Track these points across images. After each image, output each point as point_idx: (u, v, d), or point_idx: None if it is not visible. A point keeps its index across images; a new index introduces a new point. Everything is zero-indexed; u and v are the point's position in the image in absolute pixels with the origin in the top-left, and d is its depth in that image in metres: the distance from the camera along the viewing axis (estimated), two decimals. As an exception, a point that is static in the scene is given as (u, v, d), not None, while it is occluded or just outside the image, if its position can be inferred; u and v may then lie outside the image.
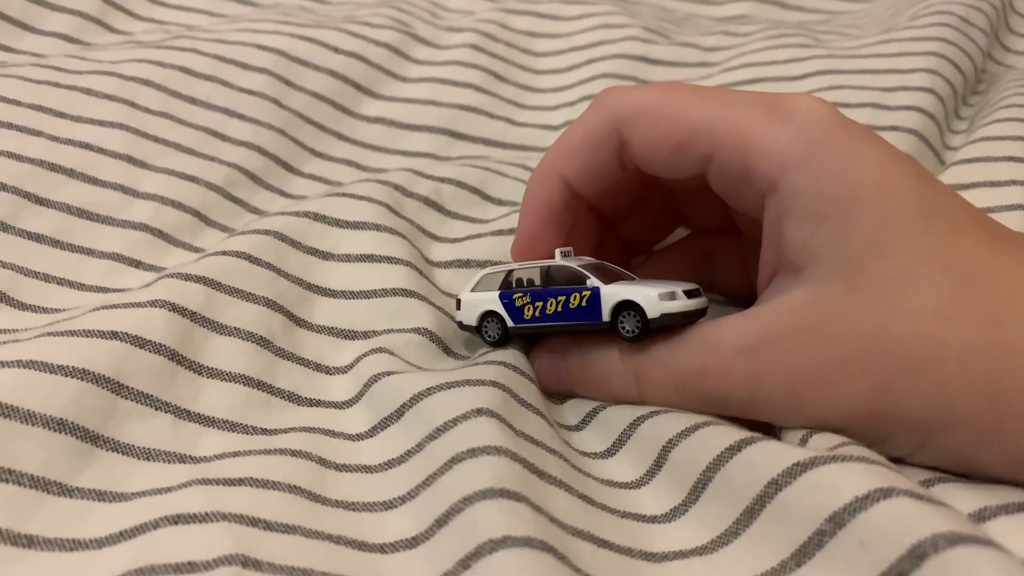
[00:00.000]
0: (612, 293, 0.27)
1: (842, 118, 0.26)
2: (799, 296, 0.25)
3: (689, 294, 0.27)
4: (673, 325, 0.26)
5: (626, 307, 0.27)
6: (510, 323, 0.29)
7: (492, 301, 0.30)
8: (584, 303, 0.28)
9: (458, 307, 0.30)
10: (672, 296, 0.26)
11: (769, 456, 0.23)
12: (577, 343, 0.29)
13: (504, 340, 0.30)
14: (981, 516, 0.22)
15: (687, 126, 0.26)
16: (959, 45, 0.45)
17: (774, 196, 0.25)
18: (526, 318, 0.29)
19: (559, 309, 0.28)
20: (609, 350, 0.28)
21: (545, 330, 0.29)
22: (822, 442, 0.24)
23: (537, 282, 0.29)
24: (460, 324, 0.31)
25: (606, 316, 0.27)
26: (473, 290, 0.30)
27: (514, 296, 0.29)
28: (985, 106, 0.43)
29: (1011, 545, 0.19)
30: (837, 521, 0.21)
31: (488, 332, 0.30)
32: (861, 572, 0.20)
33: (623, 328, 0.27)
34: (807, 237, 0.24)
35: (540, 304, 0.28)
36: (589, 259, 0.29)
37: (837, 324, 0.24)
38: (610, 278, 0.28)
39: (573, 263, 0.29)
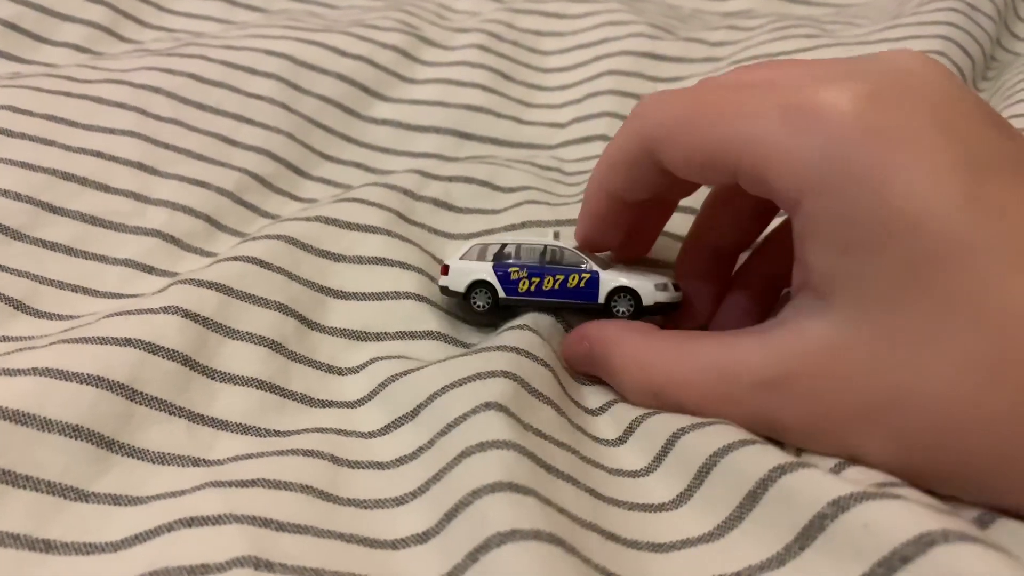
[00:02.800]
0: (610, 279, 0.30)
1: (876, 117, 0.22)
2: (819, 333, 0.23)
3: (675, 287, 0.31)
4: (658, 313, 0.30)
5: (621, 292, 0.30)
6: (501, 294, 0.31)
7: (484, 271, 0.31)
8: (583, 284, 0.30)
9: (444, 272, 0.32)
10: (665, 288, 0.30)
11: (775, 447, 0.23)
12: (601, 346, 0.29)
13: (492, 310, 0.31)
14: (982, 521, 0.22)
15: (709, 148, 0.25)
16: (967, 30, 0.44)
17: (798, 216, 0.23)
18: (520, 291, 0.31)
19: (555, 287, 0.30)
20: (630, 361, 0.28)
21: (536, 304, 0.31)
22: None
23: (534, 260, 0.31)
24: (444, 289, 0.32)
25: (602, 298, 0.30)
26: (462, 258, 0.31)
27: (510, 269, 0.31)
28: (996, 94, 0.43)
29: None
30: (841, 505, 0.21)
31: (476, 301, 0.31)
32: (864, 554, 0.20)
33: (616, 309, 0.30)
34: (829, 267, 0.23)
35: (537, 280, 0.31)
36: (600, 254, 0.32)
37: (855, 372, 0.22)
38: (604, 265, 0.31)
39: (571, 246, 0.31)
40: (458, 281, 0.31)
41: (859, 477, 0.23)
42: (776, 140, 0.23)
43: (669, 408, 0.27)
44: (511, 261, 0.31)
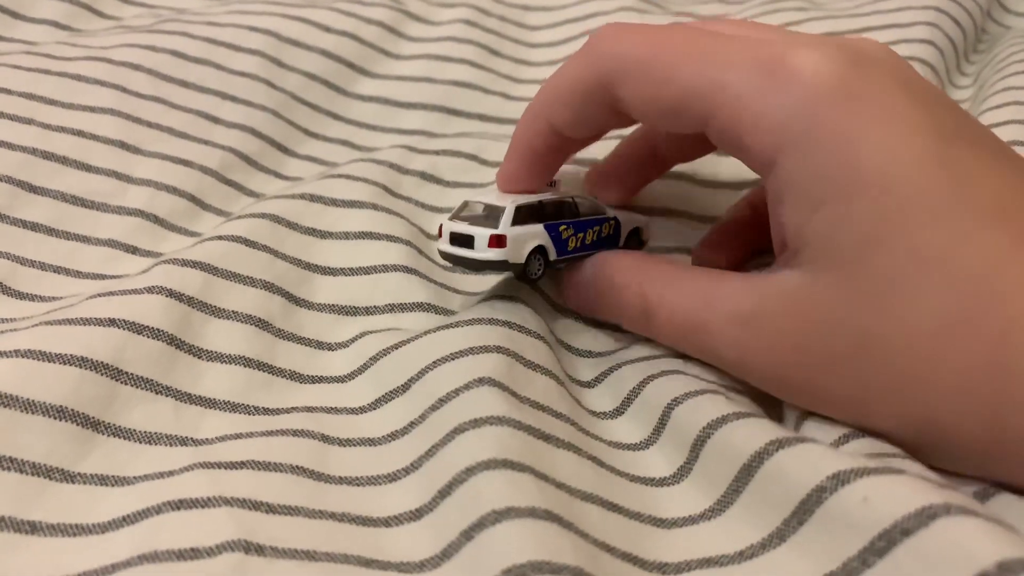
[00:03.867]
0: (624, 220, 0.31)
1: (854, 81, 0.22)
2: (792, 279, 0.23)
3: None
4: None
5: (635, 231, 0.31)
6: (553, 255, 0.29)
7: (540, 235, 0.28)
8: (612, 231, 0.31)
9: (499, 244, 0.27)
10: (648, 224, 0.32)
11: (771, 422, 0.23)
12: (606, 270, 0.29)
13: (542, 274, 0.29)
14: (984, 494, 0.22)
15: (677, 90, 0.24)
16: (958, 1, 0.44)
17: (772, 175, 0.24)
18: (569, 249, 0.29)
19: (595, 239, 0.30)
20: (630, 285, 0.27)
21: (572, 260, 0.30)
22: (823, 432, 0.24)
23: (564, 215, 0.29)
24: (492, 264, 0.28)
25: (623, 241, 0.31)
26: (462, 219, 0.29)
27: (560, 228, 0.29)
28: (987, 66, 0.42)
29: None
30: (841, 478, 0.20)
31: (531, 270, 0.28)
32: (865, 527, 0.20)
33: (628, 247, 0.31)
34: (801, 223, 0.23)
35: (582, 235, 0.29)
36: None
37: (823, 320, 0.22)
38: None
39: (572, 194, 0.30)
40: (518, 252, 0.28)
41: (859, 450, 0.22)
42: (751, 96, 0.23)
43: (654, 332, 0.27)
44: (558, 221, 0.29)
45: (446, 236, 0.28)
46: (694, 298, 0.26)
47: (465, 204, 0.29)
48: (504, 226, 0.28)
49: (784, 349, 0.23)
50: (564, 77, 0.27)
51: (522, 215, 0.28)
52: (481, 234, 0.27)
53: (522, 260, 0.28)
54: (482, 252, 0.28)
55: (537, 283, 0.30)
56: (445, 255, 0.29)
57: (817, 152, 0.22)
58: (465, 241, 0.28)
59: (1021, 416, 0.20)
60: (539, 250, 0.28)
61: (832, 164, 0.22)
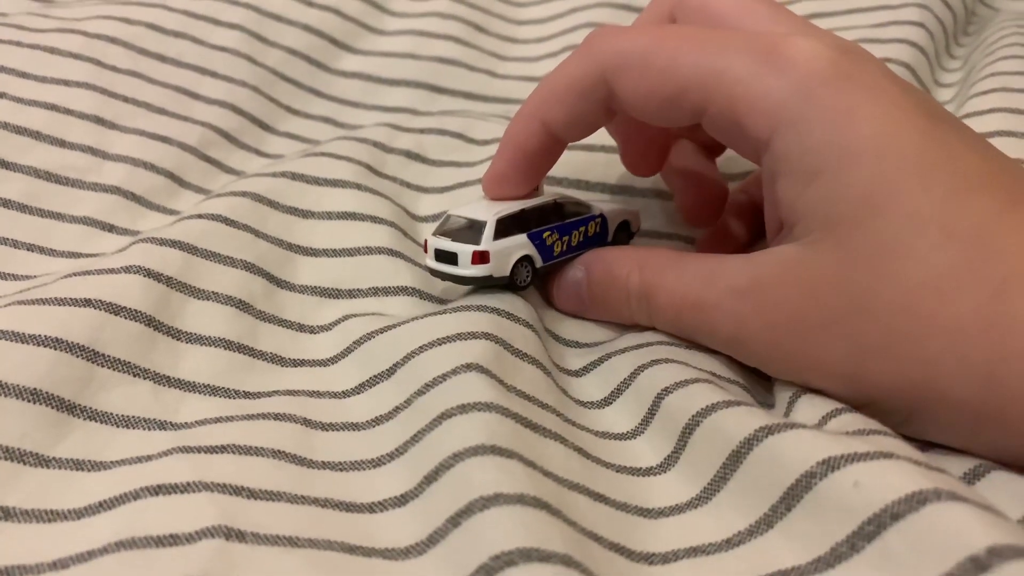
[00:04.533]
0: (611, 215, 0.31)
1: (846, 65, 0.23)
2: (788, 250, 0.24)
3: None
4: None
5: (623, 224, 0.31)
6: (539, 263, 0.28)
7: (524, 245, 0.28)
8: (599, 229, 0.30)
9: (482, 260, 0.27)
10: (637, 215, 0.32)
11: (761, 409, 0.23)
12: (600, 265, 0.29)
13: (531, 282, 0.29)
14: (975, 474, 0.22)
15: (676, 80, 0.25)
16: None
17: (767, 155, 0.24)
18: (555, 254, 0.29)
19: (581, 239, 0.30)
20: (630, 273, 0.28)
21: (561, 263, 0.30)
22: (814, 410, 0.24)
23: (549, 220, 0.29)
24: (477, 280, 0.28)
25: (611, 236, 0.31)
26: (445, 235, 0.28)
27: (544, 235, 0.28)
28: (977, 49, 0.42)
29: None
30: (831, 464, 0.20)
31: (519, 280, 0.28)
32: (855, 512, 0.19)
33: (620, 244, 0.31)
34: (795, 197, 0.23)
35: (567, 238, 0.29)
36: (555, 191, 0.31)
37: (820, 283, 0.23)
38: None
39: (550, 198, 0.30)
40: (502, 265, 0.28)
41: (842, 427, 0.22)
42: (748, 78, 0.24)
43: (654, 315, 0.27)
44: (541, 228, 0.28)
45: (431, 253, 0.28)
46: (694, 278, 0.26)
47: (448, 217, 0.29)
48: (486, 241, 0.27)
49: (781, 317, 0.24)
50: (562, 75, 0.27)
51: (504, 227, 0.28)
52: (464, 251, 0.27)
53: (507, 273, 0.28)
54: (466, 269, 0.27)
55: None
56: (433, 272, 0.28)
57: (811, 127, 0.23)
58: (450, 258, 0.28)
59: (1014, 373, 0.21)
60: (525, 260, 0.28)
61: (826, 136, 0.23)
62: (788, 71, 0.23)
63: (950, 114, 0.25)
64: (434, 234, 0.28)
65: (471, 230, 0.28)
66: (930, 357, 0.21)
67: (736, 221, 0.33)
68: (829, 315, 0.23)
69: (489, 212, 0.28)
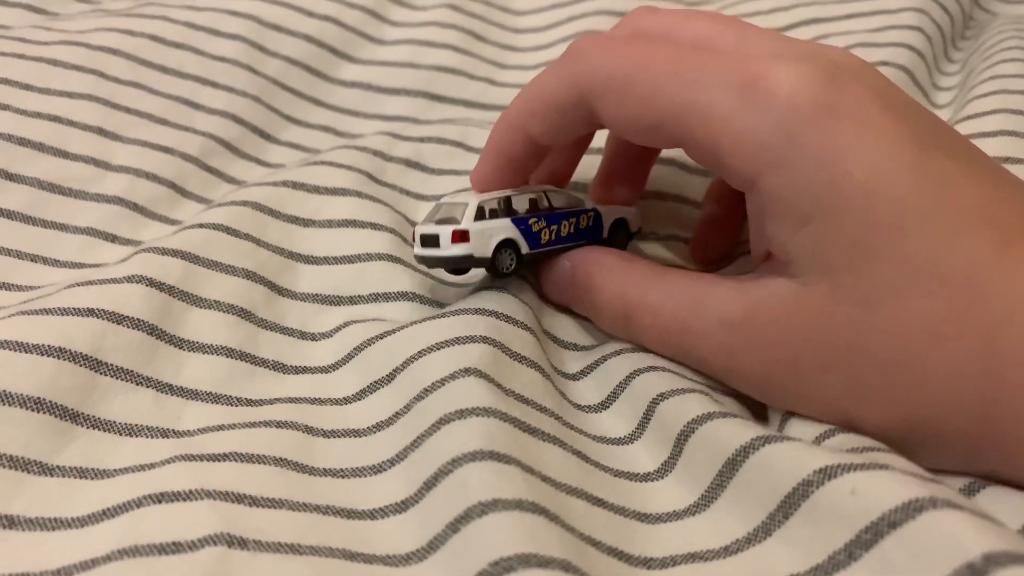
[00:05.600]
0: (606, 212, 0.31)
1: (831, 96, 0.22)
2: (783, 288, 0.23)
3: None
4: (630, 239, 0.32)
5: (618, 222, 0.31)
6: (525, 249, 0.28)
7: (507, 228, 0.28)
8: (592, 223, 0.30)
9: (461, 239, 0.27)
10: (636, 214, 0.32)
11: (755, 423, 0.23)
12: (583, 267, 0.28)
13: (516, 269, 0.28)
14: (970, 489, 0.22)
15: (656, 111, 0.24)
16: None
17: (753, 192, 0.24)
18: (542, 242, 0.29)
19: (572, 231, 0.29)
20: (609, 279, 0.27)
21: (551, 253, 0.29)
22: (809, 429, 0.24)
23: (537, 207, 0.29)
24: (460, 259, 0.28)
25: (606, 233, 0.31)
26: (432, 221, 0.29)
27: (529, 221, 0.28)
28: (975, 53, 0.42)
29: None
30: (828, 472, 0.20)
31: (502, 263, 0.28)
32: (852, 520, 0.20)
33: (617, 244, 0.31)
34: (787, 239, 0.23)
35: (555, 227, 0.29)
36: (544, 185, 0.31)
37: (816, 326, 0.23)
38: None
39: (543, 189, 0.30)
40: (484, 246, 0.28)
41: (838, 445, 0.22)
42: (730, 117, 0.23)
43: (634, 334, 0.27)
44: (528, 214, 0.29)
45: (418, 239, 0.28)
46: (680, 302, 0.26)
47: (438, 207, 0.29)
48: (467, 221, 0.27)
49: (775, 355, 0.23)
50: (541, 90, 0.27)
51: (487, 210, 0.28)
52: (444, 232, 0.28)
53: (488, 254, 0.28)
54: (447, 249, 0.27)
55: (514, 275, 0.29)
56: (418, 258, 0.29)
57: (799, 171, 0.22)
58: (432, 241, 0.28)
59: (1008, 412, 0.21)
60: (508, 244, 0.28)
61: (815, 182, 0.22)
62: (770, 108, 0.23)
63: (944, 131, 0.24)
64: (421, 223, 0.29)
65: (453, 215, 0.28)
66: (926, 399, 0.21)
67: (716, 236, 0.33)
68: (825, 358, 0.23)
69: (474, 197, 0.28)
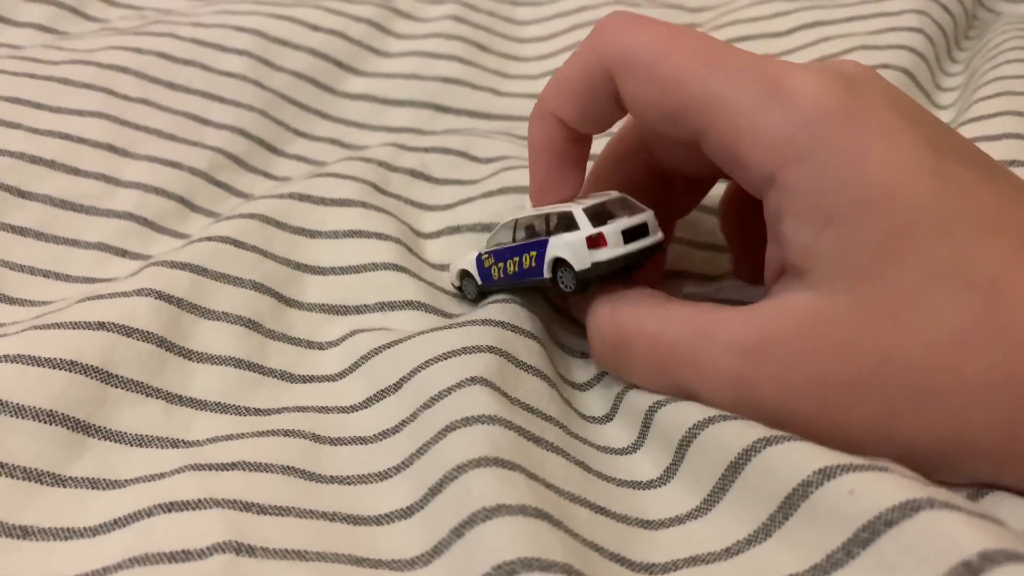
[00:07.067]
0: (553, 247, 0.26)
1: (852, 102, 0.22)
2: (802, 302, 0.22)
3: (631, 233, 0.26)
4: (615, 268, 0.26)
5: (558, 263, 0.26)
6: (479, 282, 0.30)
7: (469, 261, 0.30)
8: (534, 263, 0.27)
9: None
10: (633, 235, 0.26)
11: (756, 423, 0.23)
12: (593, 297, 0.27)
13: (481, 297, 0.30)
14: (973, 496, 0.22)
15: (679, 97, 0.24)
16: None
17: (772, 190, 0.23)
18: (493, 278, 0.29)
19: (516, 269, 0.28)
20: (601, 306, 0.27)
21: (514, 286, 0.29)
22: None
23: (509, 239, 0.29)
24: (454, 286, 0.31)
25: (547, 272, 0.27)
26: (488, 243, 0.30)
27: (482, 257, 0.30)
28: (978, 53, 0.42)
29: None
30: (827, 473, 0.20)
31: (467, 291, 0.31)
32: (850, 519, 0.20)
33: (562, 283, 0.27)
34: (808, 241, 0.22)
35: (501, 265, 0.29)
36: (612, 194, 0.27)
37: (842, 341, 0.22)
38: (585, 207, 0.26)
39: (574, 205, 0.27)
40: (452, 273, 0.31)
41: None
42: (754, 111, 0.23)
43: (624, 367, 0.26)
44: (491, 248, 0.29)
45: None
46: (682, 331, 0.24)
47: (513, 224, 0.29)
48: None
49: (797, 378, 0.22)
50: (570, 68, 0.27)
51: (500, 234, 0.29)
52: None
53: (456, 281, 0.31)
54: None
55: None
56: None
57: (823, 168, 0.22)
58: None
59: None
60: (469, 274, 0.30)
61: (839, 180, 0.22)
62: (794, 105, 0.22)
63: (953, 137, 0.24)
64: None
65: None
66: (958, 412, 0.21)
67: (751, 239, 0.30)
68: (853, 374, 0.21)
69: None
